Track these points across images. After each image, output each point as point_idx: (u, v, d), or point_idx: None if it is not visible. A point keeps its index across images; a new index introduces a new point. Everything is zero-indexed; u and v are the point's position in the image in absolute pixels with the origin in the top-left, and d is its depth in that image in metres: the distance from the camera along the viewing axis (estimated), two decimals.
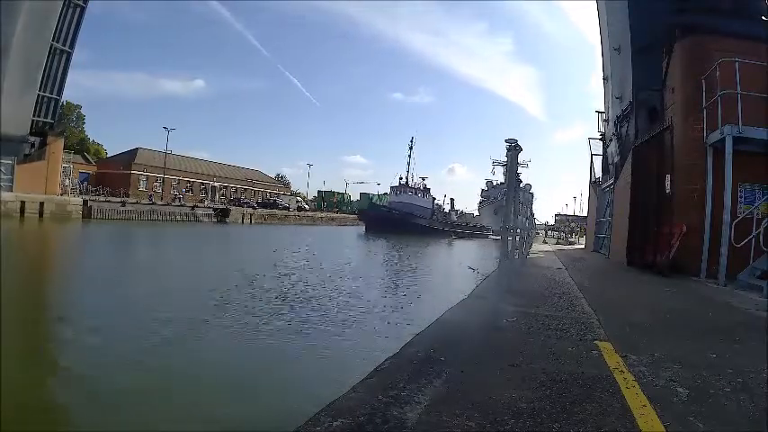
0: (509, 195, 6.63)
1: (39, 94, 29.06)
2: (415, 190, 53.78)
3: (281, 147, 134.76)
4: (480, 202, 74.85)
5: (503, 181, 69.71)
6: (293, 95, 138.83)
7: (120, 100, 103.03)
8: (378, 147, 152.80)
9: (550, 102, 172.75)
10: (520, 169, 10.14)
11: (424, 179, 56.92)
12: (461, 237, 50.98)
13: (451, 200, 67.91)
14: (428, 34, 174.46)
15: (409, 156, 55.02)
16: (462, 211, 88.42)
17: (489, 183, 75.03)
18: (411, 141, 55.71)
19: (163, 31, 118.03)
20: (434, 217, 53.42)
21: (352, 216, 58.55)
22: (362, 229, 44.96)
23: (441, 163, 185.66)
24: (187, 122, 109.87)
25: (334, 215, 60.48)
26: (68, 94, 63.00)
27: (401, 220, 45.03)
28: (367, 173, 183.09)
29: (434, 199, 57.15)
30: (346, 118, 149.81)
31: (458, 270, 16.58)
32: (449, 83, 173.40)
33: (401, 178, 54.53)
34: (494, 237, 58.96)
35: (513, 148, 5.83)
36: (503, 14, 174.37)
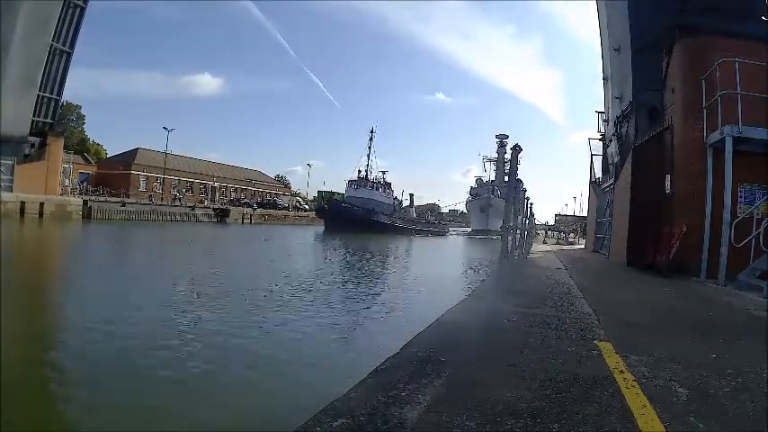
0: (509, 195, 6.64)
1: (39, 94, 29.06)
2: (375, 185, 50.23)
3: (293, 147, 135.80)
4: (468, 200, 71.81)
5: (493, 179, 69.09)
6: (312, 96, 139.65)
7: (124, 99, 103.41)
8: (393, 149, 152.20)
9: (568, 104, 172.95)
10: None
11: (384, 173, 53.79)
12: (424, 235, 48.64)
13: (411, 195, 64.19)
14: (454, 35, 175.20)
15: (369, 147, 51.06)
16: (462, 211, 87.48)
17: (479, 180, 73.06)
18: (371, 132, 51.55)
19: (168, 31, 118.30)
20: (395, 214, 50.17)
21: None
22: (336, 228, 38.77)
23: (458, 164, 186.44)
24: (192, 123, 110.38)
25: None
26: (72, 94, 63.45)
27: (362, 217, 41.54)
28: (384, 175, 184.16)
29: (393, 193, 53.52)
30: (363, 119, 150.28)
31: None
32: (471, 84, 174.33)
33: (359, 171, 50.75)
34: (453, 233, 57.55)
35: (514, 148, 5.84)
36: (531, 18, 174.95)
